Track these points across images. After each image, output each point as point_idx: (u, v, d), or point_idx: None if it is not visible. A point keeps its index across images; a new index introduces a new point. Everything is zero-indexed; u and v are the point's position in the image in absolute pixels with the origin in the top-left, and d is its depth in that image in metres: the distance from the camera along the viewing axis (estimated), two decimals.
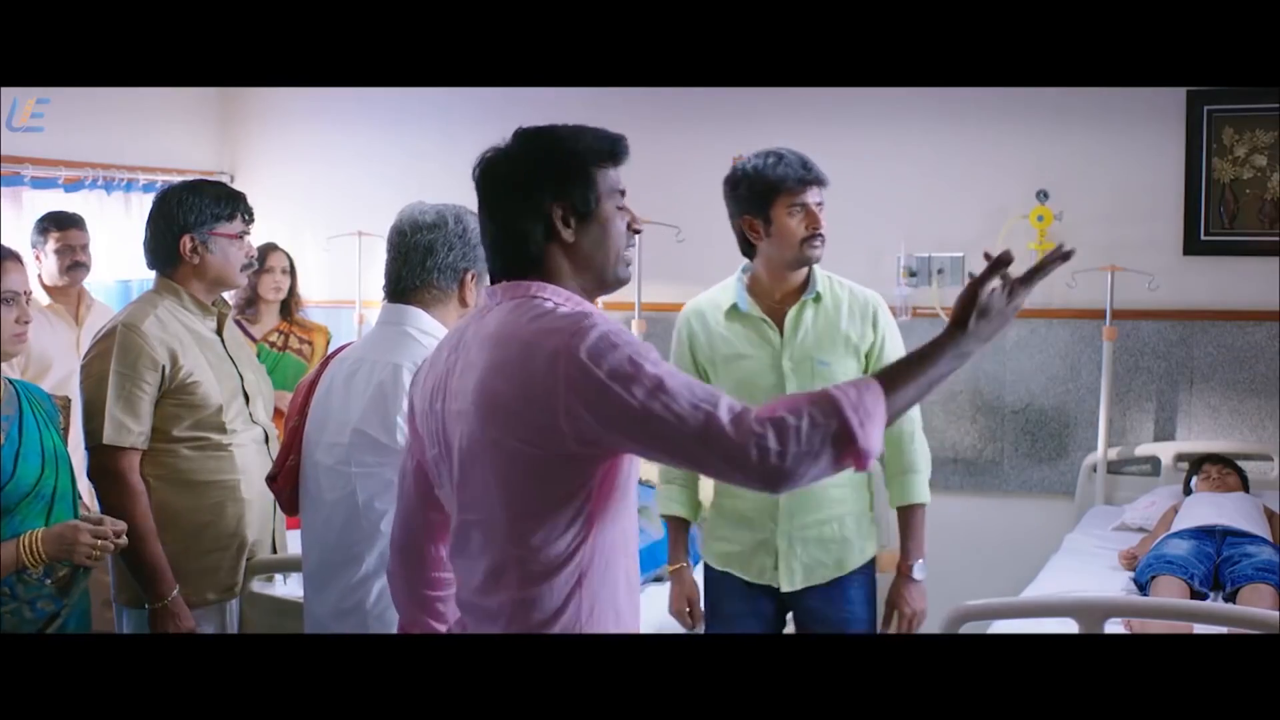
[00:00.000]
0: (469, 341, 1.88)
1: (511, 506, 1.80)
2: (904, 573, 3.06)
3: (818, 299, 3.00)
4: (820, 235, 2.93)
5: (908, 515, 3.07)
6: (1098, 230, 4.77)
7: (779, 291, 3.02)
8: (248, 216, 3.07)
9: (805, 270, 3.00)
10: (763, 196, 2.92)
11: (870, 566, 3.09)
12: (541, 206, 1.86)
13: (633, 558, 1.93)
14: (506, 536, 1.81)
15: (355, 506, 2.45)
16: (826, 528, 3.02)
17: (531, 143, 1.90)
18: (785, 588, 3.02)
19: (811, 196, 2.93)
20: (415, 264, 2.50)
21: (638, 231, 1.94)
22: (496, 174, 1.90)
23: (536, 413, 1.74)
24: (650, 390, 1.70)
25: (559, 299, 1.84)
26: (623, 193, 1.91)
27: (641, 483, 2.66)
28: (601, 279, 1.91)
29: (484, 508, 1.83)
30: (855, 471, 1.76)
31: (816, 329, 2.99)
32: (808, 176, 2.92)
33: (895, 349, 3.03)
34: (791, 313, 2.99)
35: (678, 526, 3.16)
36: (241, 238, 3.04)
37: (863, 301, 3.04)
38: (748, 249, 3.02)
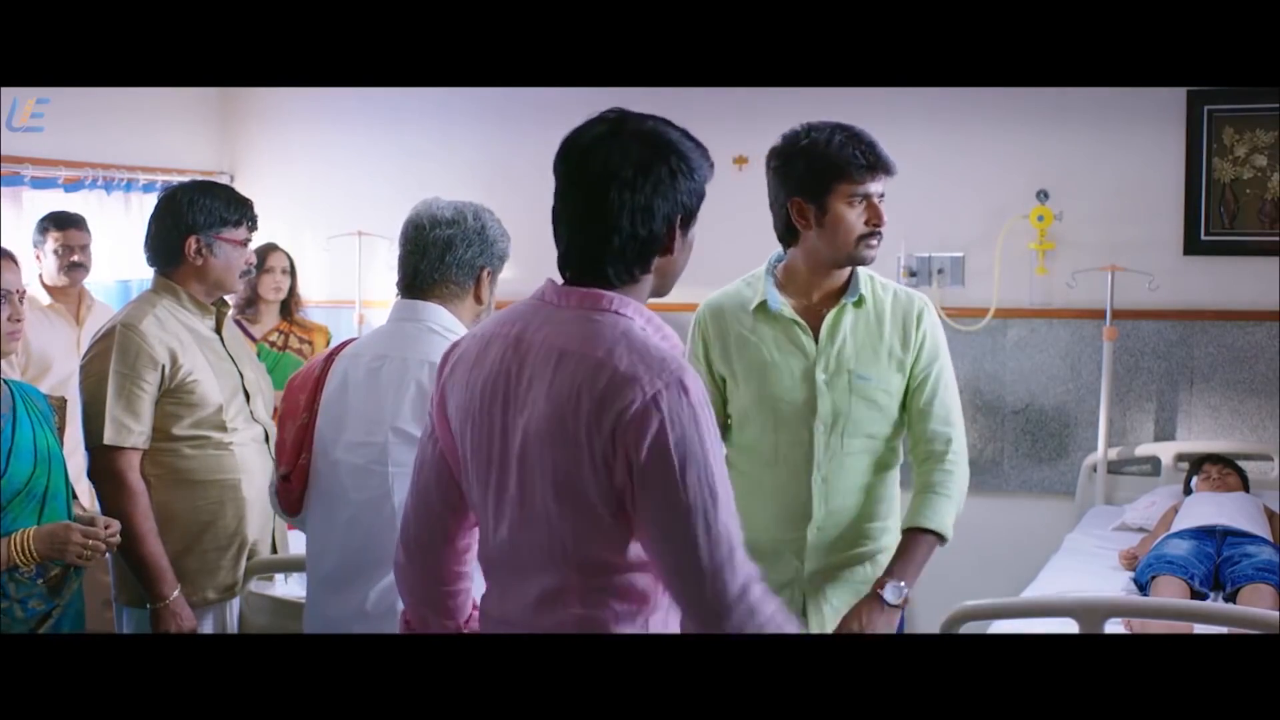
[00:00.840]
0: (534, 344, 1.76)
1: (576, 530, 1.73)
2: (875, 586, 2.52)
3: (860, 303, 2.61)
4: (879, 233, 2.54)
5: (914, 539, 2.55)
6: (1098, 230, 4.77)
7: (817, 291, 2.62)
8: (252, 224, 3.07)
9: (849, 269, 2.62)
10: (821, 179, 2.50)
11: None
12: (670, 213, 1.76)
13: None
14: (568, 558, 1.74)
15: (391, 507, 2.38)
16: (860, 569, 2.63)
17: (664, 137, 1.77)
18: None
19: (876, 186, 2.52)
20: (434, 259, 2.47)
21: None
22: (608, 161, 1.73)
23: (605, 447, 1.68)
24: (700, 483, 1.65)
25: (641, 320, 1.76)
26: None
27: None
28: (659, 294, 1.85)
29: (543, 526, 1.75)
30: None
31: (856, 337, 2.60)
32: (877, 163, 2.51)
33: (933, 355, 2.64)
34: (829, 316, 2.59)
35: None
36: (245, 245, 3.05)
37: (905, 303, 2.65)
38: (789, 235, 2.60)
